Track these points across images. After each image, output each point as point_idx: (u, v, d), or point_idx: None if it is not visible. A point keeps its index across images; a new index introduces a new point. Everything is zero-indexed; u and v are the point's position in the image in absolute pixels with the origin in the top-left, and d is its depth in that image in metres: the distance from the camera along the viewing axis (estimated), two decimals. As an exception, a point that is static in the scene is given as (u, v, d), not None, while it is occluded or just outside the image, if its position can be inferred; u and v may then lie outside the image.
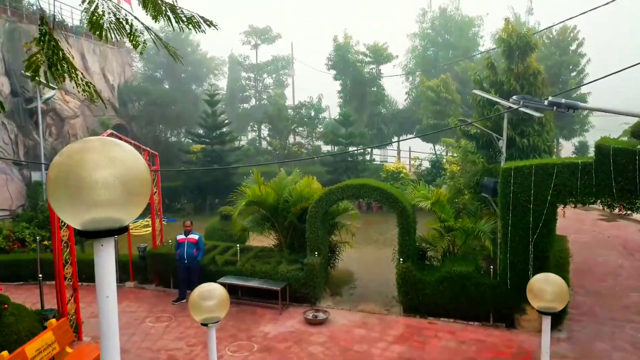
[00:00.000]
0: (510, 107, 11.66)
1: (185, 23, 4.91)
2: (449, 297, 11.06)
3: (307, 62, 66.16)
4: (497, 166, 12.57)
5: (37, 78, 4.22)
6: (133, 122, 28.60)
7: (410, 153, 29.91)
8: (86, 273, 12.47)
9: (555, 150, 24.54)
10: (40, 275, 10.65)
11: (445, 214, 12.31)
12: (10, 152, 20.06)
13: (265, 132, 33.06)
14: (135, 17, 4.53)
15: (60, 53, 3.87)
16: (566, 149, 29.62)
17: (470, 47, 32.24)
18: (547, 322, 4.88)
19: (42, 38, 3.86)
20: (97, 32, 4.42)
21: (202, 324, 4.66)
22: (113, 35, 4.53)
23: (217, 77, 40.22)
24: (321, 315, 11.45)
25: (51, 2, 23.86)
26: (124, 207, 2.11)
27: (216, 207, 21.16)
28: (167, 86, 35.19)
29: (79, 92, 4.45)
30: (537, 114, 12.46)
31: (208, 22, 5.06)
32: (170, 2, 4.85)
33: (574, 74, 26.62)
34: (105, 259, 2.17)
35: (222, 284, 5.46)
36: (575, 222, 19.05)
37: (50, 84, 15.85)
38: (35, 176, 20.86)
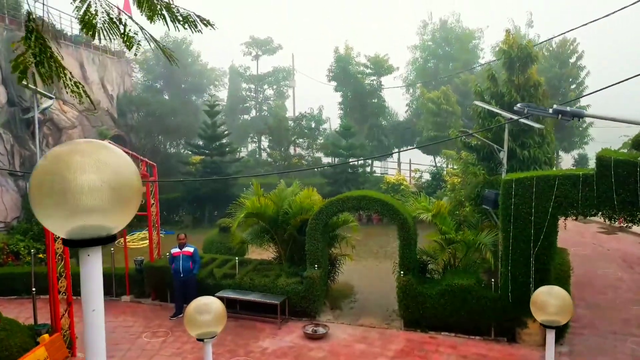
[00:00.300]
0: (511, 118, 11.58)
1: (181, 22, 4.80)
2: (450, 310, 10.91)
3: (308, 71, 66.01)
4: (498, 178, 12.47)
5: (25, 80, 4.09)
6: (132, 133, 28.40)
7: (410, 165, 29.82)
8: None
9: (555, 162, 24.44)
10: (34, 289, 10.40)
11: (446, 226, 12.19)
12: (6, 163, 19.83)
13: (265, 143, 32.95)
14: (130, 17, 4.43)
15: (49, 51, 3.77)
16: (566, 162, 29.52)
17: (471, 60, 32.37)
18: (551, 335, 4.77)
19: (29, 35, 3.75)
20: (90, 32, 4.33)
21: (198, 339, 4.50)
22: (105, 35, 4.42)
23: (218, 88, 40.09)
24: (321, 330, 11.25)
25: (49, 8, 23.81)
26: (112, 213, 1.98)
27: (215, 219, 20.93)
28: (166, 97, 35.02)
29: (67, 92, 4.33)
30: (537, 125, 12.39)
31: (205, 22, 4.94)
32: (166, 0, 4.75)
33: (573, 86, 26.66)
34: (92, 269, 2.03)
35: (220, 298, 5.30)
36: (575, 234, 18.91)
37: (49, 94, 15.70)
38: (31, 187, 20.63)
